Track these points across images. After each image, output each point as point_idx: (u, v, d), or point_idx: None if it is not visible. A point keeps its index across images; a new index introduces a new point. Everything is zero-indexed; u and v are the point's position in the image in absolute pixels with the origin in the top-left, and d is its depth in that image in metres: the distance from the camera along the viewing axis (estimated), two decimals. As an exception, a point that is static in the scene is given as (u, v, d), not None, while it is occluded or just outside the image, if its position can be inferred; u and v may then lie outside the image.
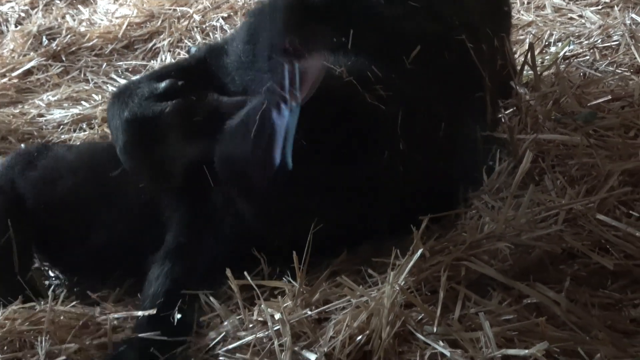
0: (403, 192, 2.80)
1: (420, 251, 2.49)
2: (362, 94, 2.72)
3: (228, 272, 2.66)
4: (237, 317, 2.60)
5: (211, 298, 2.75)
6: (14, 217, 3.22)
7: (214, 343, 2.59)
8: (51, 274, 3.39)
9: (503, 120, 3.17)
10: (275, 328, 2.45)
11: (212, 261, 2.88)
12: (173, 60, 5.02)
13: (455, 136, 2.92)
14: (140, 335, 2.69)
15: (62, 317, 2.83)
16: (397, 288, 2.39)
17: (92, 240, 3.18)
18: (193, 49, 4.46)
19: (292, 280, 2.66)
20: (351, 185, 2.74)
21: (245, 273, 2.69)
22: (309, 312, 2.51)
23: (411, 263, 2.46)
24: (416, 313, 2.40)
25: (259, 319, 2.55)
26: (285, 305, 2.55)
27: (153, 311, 2.70)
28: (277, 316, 2.48)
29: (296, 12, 3.13)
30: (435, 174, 2.86)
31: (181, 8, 5.55)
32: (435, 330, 2.33)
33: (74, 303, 2.95)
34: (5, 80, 4.97)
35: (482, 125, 3.03)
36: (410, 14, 3.06)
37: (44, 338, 2.70)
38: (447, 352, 2.25)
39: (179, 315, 2.70)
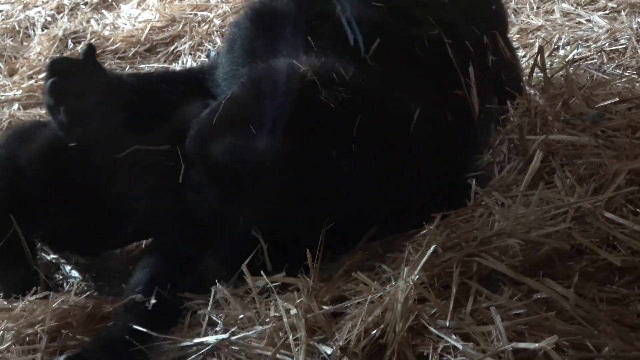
0: (407, 187, 2.85)
1: (433, 247, 2.54)
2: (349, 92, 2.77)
3: (244, 268, 2.72)
4: (254, 311, 2.65)
5: (226, 292, 2.79)
6: (15, 202, 3.22)
7: (229, 335, 2.61)
8: (66, 268, 3.41)
9: (512, 120, 3.21)
10: (290, 323, 2.49)
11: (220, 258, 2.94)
12: (194, 63, 5.07)
13: (448, 131, 2.96)
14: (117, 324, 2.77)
15: (76, 309, 2.90)
16: (411, 283, 2.43)
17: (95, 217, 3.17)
18: (212, 53, 4.50)
19: (306, 277, 2.70)
20: (356, 180, 2.78)
21: (262, 272, 2.73)
22: (325, 307, 2.55)
23: (424, 259, 2.50)
24: (429, 307, 2.44)
25: (275, 314, 2.59)
26: (299, 300, 2.59)
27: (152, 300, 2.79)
28: (293, 311, 2.52)
29: (264, 19, 3.20)
30: (433, 170, 2.90)
31: (202, 13, 5.57)
32: (447, 324, 2.36)
33: (87, 294, 3.04)
34: (32, 82, 5.00)
35: (469, 118, 3.05)
36: (377, 14, 3.09)
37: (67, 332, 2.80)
38: (459, 346, 2.29)
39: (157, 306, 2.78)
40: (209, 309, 2.76)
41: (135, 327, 2.68)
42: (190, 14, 5.60)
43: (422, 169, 2.89)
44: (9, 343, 2.75)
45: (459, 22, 3.20)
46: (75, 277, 3.30)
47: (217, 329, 2.68)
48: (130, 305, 2.83)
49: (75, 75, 3.06)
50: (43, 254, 3.42)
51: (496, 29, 3.40)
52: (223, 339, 2.57)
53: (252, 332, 2.56)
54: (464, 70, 3.02)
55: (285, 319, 2.51)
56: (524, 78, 3.53)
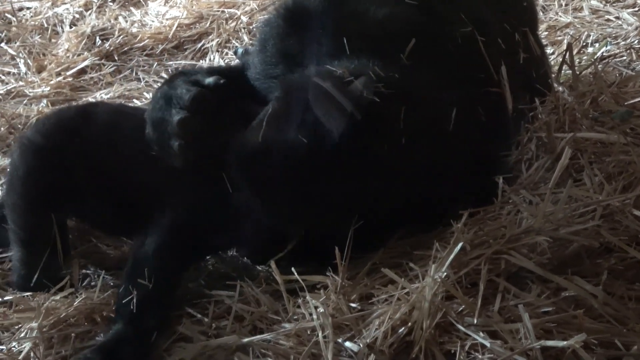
0: (438, 186, 2.83)
1: (460, 244, 2.53)
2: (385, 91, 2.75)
3: (273, 265, 2.72)
4: (282, 308, 2.66)
5: (254, 287, 2.81)
6: (57, 194, 3.23)
7: (257, 332, 2.65)
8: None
9: (540, 117, 3.19)
10: (318, 321, 2.49)
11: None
12: (221, 60, 5.08)
13: (480, 129, 2.94)
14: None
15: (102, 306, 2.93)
16: (439, 280, 2.43)
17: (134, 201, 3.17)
18: (240, 50, 4.51)
19: (334, 275, 2.70)
20: (387, 179, 2.77)
21: (293, 269, 2.73)
22: (353, 305, 2.56)
23: (452, 256, 2.50)
24: (457, 305, 2.44)
25: (302, 311, 2.60)
26: (327, 298, 2.60)
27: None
28: (320, 309, 2.53)
29: (296, 17, 3.19)
30: (465, 167, 2.88)
31: (229, 10, 5.58)
32: (475, 321, 2.36)
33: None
34: (60, 78, 5.02)
35: (502, 116, 3.04)
36: (409, 12, 3.08)
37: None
38: (487, 343, 2.29)
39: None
40: (235, 301, 2.79)
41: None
42: (218, 11, 5.62)
43: (453, 167, 2.88)
44: (32, 342, 2.77)
45: (490, 19, 3.19)
46: (97, 275, 3.30)
47: (245, 324, 2.69)
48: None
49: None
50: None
51: (527, 25, 3.38)
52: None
53: (280, 329, 2.57)
54: (496, 68, 3.01)
55: (314, 317, 2.52)
56: (553, 75, 3.52)
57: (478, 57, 3.01)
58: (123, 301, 2.81)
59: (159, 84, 3.25)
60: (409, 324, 2.40)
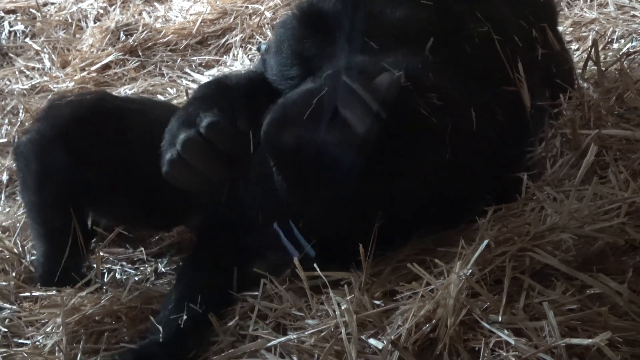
0: (461, 183, 2.83)
1: (486, 242, 2.53)
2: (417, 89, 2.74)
3: (296, 262, 2.72)
4: (305, 304, 2.67)
5: (277, 284, 2.81)
6: (75, 188, 3.24)
7: (280, 329, 2.67)
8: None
9: (565, 114, 3.19)
10: (342, 318, 2.49)
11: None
12: (245, 56, 5.08)
13: (501, 127, 2.93)
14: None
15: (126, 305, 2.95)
16: (463, 277, 2.43)
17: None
18: (263, 46, 4.51)
19: (358, 272, 2.70)
20: (411, 176, 2.75)
21: (316, 265, 2.73)
22: (376, 302, 2.56)
23: (477, 253, 2.49)
24: (481, 302, 2.43)
25: (326, 308, 2.61)
26: (351, 295, 2.60)
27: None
28: (344, 306, 2.53)
29: (312, 19, 3.19)
30: (489, 164, 2.89)
31: (253, 5, 5.59)
32: (500, 319, 2.36)
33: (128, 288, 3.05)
34: (84, 74, 5.05)
35: (521, 113, 3.03)
36: (425, 13, 3.07)
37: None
38: (511, 341, 2.28)
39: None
40: (258, 300, 2.80)
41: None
42: (242, 6, 5.63)
43: (476, 165, 2.88)
44: (58, 339, 2.79)
45: (506, 16, 3.18)
46: (123, 270, 3.31)
47: (268, 321, 2.70)
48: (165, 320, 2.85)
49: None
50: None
51: (545, 21, 3.37)
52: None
53: (304, 326, 2.58)
54: (512, 65, 3.00)
55: (337, 313, 2.52)
56: (577, 72, 3.50)
57: (495, 55, 3.00)
58: (169, 317, 2.82)
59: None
60: (434, 320, 2.39)
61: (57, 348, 2.75)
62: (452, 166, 2.78)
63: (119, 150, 3.22)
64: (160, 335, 2.76)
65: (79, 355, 2.73)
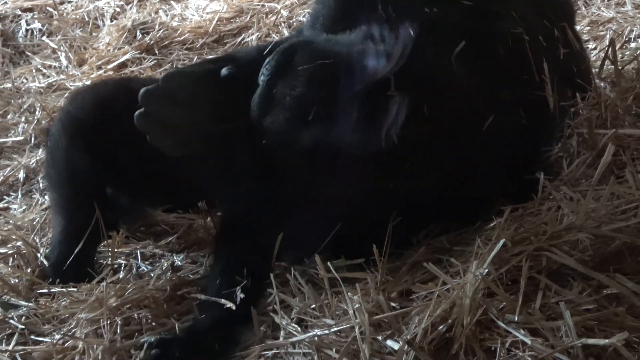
0: (478, 182, 2.85)
1: (502, 241, 2.53)
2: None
3: (317, 259, 2.74)
4: (325, 302, 2.66)
5: (300, 279, 2.80)
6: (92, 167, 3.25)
7: (301, 325, 2.66)
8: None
9: (582, 113, 3.18)
10: (357, 318, 2.49)
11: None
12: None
13: (523, 126, 2.93)
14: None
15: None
16: (480, 277, 2.44)
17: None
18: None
19: (374, 270, 2.70)
20: (426, 174, 2.78)
21: (329, 263, 2.74)
22: (393, 303, 2.56)
23: (493, 252, 2.49)
24: (498, 302, 2.43)
25: (344, 306, 2.60)
26: (366, 294, 2.60)
27: (231, 305, 2.77)
28: (357, 306, 2.53)
29: (346, 4, 3.18)
30: (507, 163, 2.89)
31: (269, 4, 5.57)
32: (516, 318, 2.36)
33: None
34: (101, 72, 5.04)
35: (546, 113, 3.02)
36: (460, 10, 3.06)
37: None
38: (527, 340, 2.28)
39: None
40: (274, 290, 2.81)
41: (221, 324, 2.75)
42: (258, 5, 5.62)
43: (493, 163, 2.88)
44: (82, 330, 2.80)
45: (531, 15, 3.17)
46: (141, 268, 3.30)
47: (292, 316, 2.70)
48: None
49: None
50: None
51: (565, 20, 3.36)
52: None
53: (323, 325, 2.58)
54: (538, 65, 2.99)
55: (351, 312, 2.52)
56: (594, 71, 3.50)
57: (521, 53, 2.99)
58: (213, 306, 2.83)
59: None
60: (450, 320, 2.39)
61: (80, 345, 2.73)
62: (467, 163, 2.80)
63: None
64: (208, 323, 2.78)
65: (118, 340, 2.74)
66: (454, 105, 2.76)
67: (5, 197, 3.82)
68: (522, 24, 3.04)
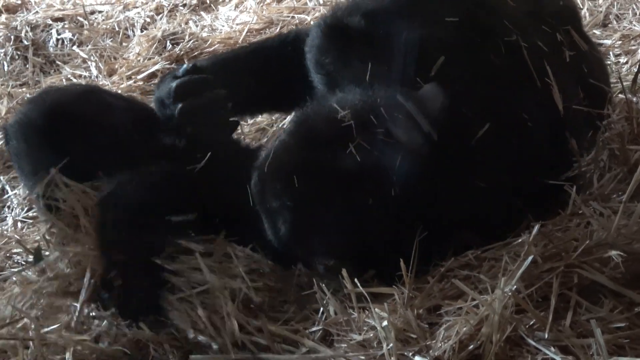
0: (499, 196, 2.85)
1: (531, 257, 2.52)
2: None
3: (344, 273, 2.72)
4: (353, 317, 2.64)
5: (325, 289, 2.78)
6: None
7: (327, 337, 2.65)
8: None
9: (613, 127, 3.16)
10: (383, 334, 2.48)
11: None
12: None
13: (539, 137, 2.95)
14: None
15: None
16: (509, 293, 2.42)
17: None
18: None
19: (401, 286, 2.68)
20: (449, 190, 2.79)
21: (356, 280, 2.72)
22: (420, 319, 2.55)
23: (522, 269, 2.48)
24: (527, 318, 2.42)
25: (371, 321, 2.58)
26: (393, 310, 2.59)
27: None
28: (384, 323, 2.52)
29: (335, 34, 3.19)
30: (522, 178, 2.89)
31: (299, 15, 5.57)
32: (546, 336, 2.35)
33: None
34: (131, 82, 5.05)
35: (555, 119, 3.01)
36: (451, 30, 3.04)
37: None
38: (558, 358, 2.28)
39: None
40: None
41: None
42: (288, 16, 5.62)
43: (519, 177, 2.88)
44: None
45: (527, 23, 3.16)
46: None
47: (315, 329, 2.69)
48: None
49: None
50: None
51: (568, 23, 3.34)
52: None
53: (349, 339, 2.56)
54: (540, 71, 2.99)
55: (379, 329, 2.50)
56: (626, 84, 3.48)
57: (522, 63, 3.00)
58: None
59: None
60: (478, 337, 2.38)
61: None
62: (498, 179, 2.79)
63: (98, 142, 3.23)
64: None
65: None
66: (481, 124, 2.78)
67: (34, 206, 3.82)
68: (517, 32, 3.04)
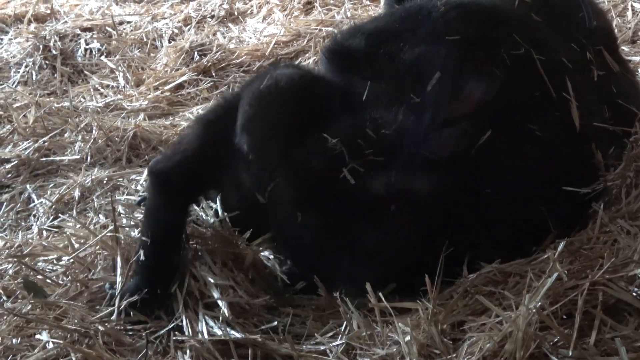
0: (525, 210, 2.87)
1: (555, 274, 2.51)
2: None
3: (368, 287, 2.72)
4: (376, 331, 2.64)
5: (352, 307, 2.76)
6: None
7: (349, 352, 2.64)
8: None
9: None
10: (406, 349, 2.48)
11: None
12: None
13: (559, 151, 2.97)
14: None
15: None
16: (533, 310, 2.41)
17: None
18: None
19: (425, 301, 2.68)
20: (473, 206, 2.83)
21: (380, 294, 2.72)
22: (442, 336, 2.54)
23: (547, 285, 2.47)
24: (551, 336, 2.41)
25: (394, 336, 2.59)
26: (416, 326, 2.59)
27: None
28: (407, 338, 2.52)
29: (338, 58, 3.19)
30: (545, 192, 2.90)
31: (326, 28, 5.59)
32: (570, 353, 2.33)
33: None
34: (158, 93, 5.08)
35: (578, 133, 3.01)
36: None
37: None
38: (582, 376, 2.26)
39: None
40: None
41: None
42: (315, 29, 5.64)
43: (540, 192, 2.90)
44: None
45: (551, 40, 3.16)
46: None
47: (337, 343, 2.68)
48: None
49: None
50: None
51: (601, 44, 3.33)
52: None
53: (372, 353, 2.56)
54: (561, 87, 3.00)
55: (402, 343, 2.50)
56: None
57: (539, 75, 3.00)
58: None
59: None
60: (502, 354, 2.37)
61: None
62: (521, 194, 2.81)
63: None
64: None
65: None
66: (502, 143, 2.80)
67: (60, 215, 3.84)
68: (539, 47, 3.04)
